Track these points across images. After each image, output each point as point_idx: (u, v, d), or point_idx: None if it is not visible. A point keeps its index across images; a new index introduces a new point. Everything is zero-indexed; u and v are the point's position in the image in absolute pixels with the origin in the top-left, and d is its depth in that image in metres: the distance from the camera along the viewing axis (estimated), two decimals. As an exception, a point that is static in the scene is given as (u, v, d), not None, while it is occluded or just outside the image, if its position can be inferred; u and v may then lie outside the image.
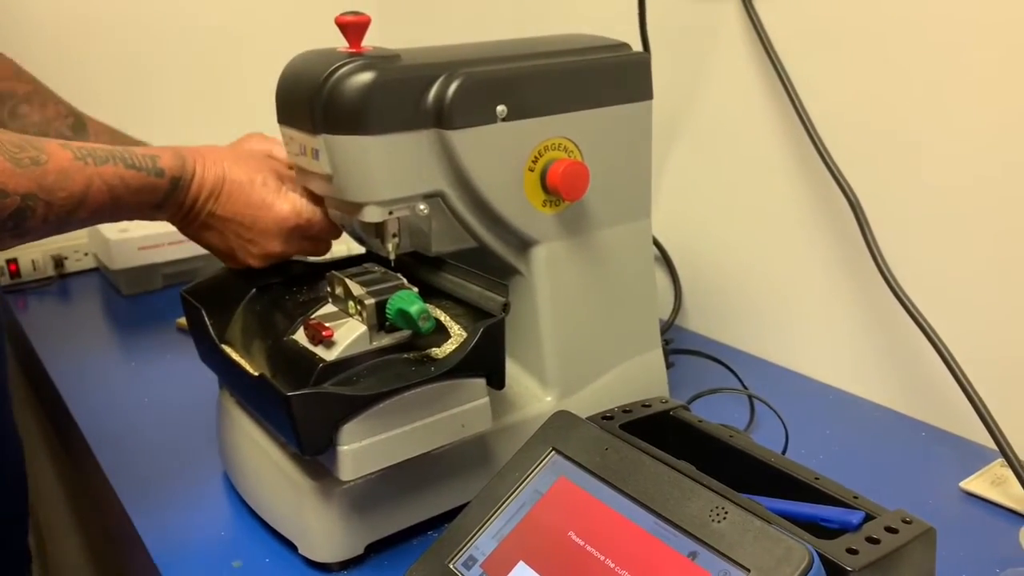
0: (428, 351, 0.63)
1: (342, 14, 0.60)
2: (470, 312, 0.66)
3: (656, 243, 1.01)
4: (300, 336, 0.62)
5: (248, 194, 0.66)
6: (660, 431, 0.60)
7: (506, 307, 0.62)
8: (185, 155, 0.65)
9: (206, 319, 0.64)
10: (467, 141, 0.61)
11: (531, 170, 0.65)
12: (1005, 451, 0.66)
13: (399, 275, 0.64)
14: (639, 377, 0.75)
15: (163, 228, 1.15)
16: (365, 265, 0.67)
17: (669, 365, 0.79)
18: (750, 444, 0.58)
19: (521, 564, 0.49)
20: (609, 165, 0.69)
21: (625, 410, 0.60)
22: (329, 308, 0.64)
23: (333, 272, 0.64)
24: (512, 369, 0.70)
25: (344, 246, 1.16)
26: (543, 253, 0.68)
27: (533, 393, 0.70)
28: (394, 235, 0.65)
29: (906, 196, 0.77)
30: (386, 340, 0.62)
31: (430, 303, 0.62)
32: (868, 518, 0.48)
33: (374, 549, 0.62)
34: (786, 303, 0.91)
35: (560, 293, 0.69)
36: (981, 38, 0.70)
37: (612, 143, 0.69)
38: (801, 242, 0.87)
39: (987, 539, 0.64)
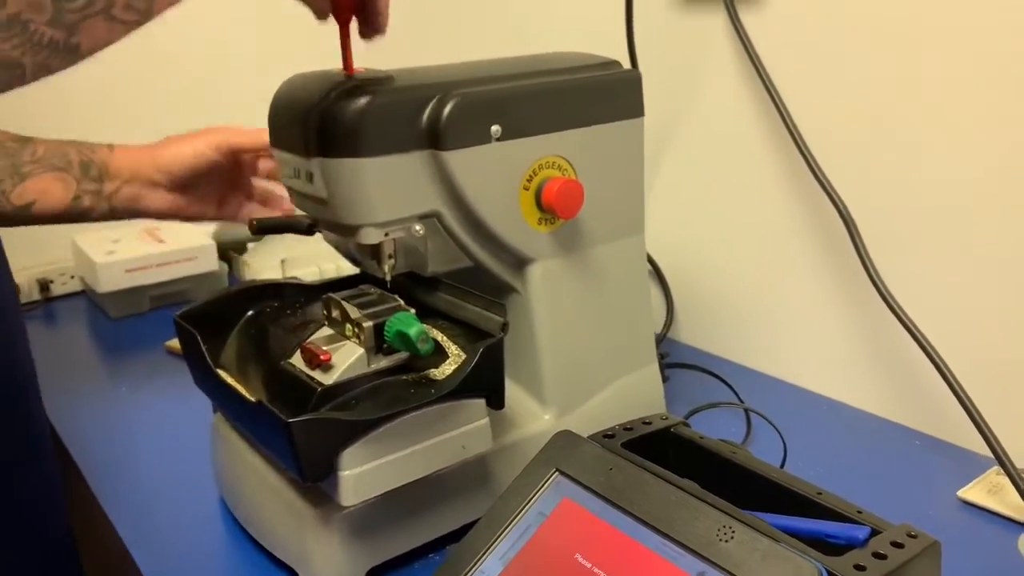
0: (426, 372, 0.63)
1: None
2: (467, 332, 0.66)
3: (647, 257, 1.01)
4: (297, 360, 0.62)
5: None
6: (661, 448, 0.60)
7: (505, 327, 0.62)
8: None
9: (201, 344, 0.63)
10: (462, 161, 0.61)
11: (526, 189, 0.65)
12: (1001, 459, 0.66)
13: (395, 296, 0.64)
14: (636, 392, 0.75)
15: (151, 250, 1.15)
16: (361, 287, 0.66)
17: (664, 379, 0.79)
18: (752, 460, 0.58)
19: (528, 587, 0.49)
20: (602, 182, 0.69)
21: (626, 428, 0.60)
22: (326, 331, 0.64)
23: (329, 295, 0.64)
24: (510, 388, 0.69)
25: (333, 264, 1.16)
26: (539, 271, 0.68)
27: (531, 411, 0.70)
28: (390, 256, 0.64)
29: (897, 207, 0.78)
30: (384, 362, 0.61)
31: (427, 323, 0.62)
32: (874, 533, 0.48)
33: (375, 573, 0.62)
34: (778, 315, 0.91)
35: (557, 310, 0.69)
36: (973, 51, 0.71)
37: (605, 160, 0.69)
38: (792, 254, 0.88)
39: (986, 548, 0.64)
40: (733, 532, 0.45)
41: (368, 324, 0.60)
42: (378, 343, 0.61)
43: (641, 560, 0.47)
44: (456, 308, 0.67)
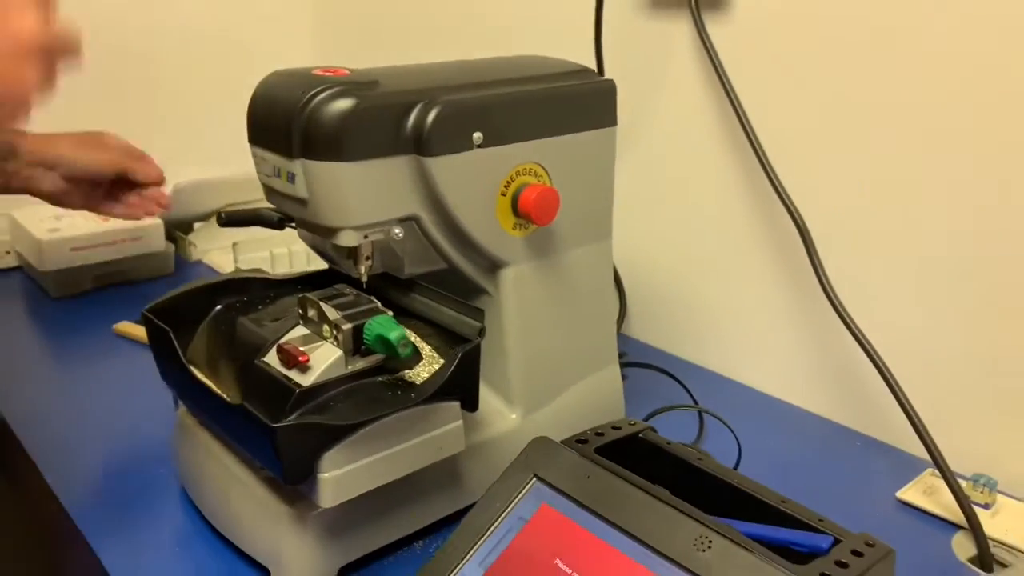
0: (401, 374, 0.63)
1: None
2: (440, 333, 0.67)
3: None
4: (272, 359, 0.62)
5: None
6: (629, 451, 0.62)
7: (482, 332, 0.63)
8: None
9: (174, 340, 0.63)
10: (444, 167, 0.62)
11: (503, 194, 0.66)
12: (937, 461, 0.71)
13: (372, 298, 0.65)
14: (599, 392, 0.77)
15: (97, 228, 1.12)
16: (337, 287, 0.66)
17: (623, 378, 0.82)
18: (716, 466, 0.60)
19: (510, 592, 0.51)
20: (576, 189, 0.71)
21: (598, 432, 0.62)
22: (300, 331, 0.64)
23: (306, 295, 0.64)
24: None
25: (285, 248, 1.14)
26: (511, 274, 0.69)
27: (498, 411, 0.72)
28: (367, 258, 0.65)
29: (848, 214, 0.82)
30: (360, 364, 0.62)
31: (402, 324, 0.62)
32: (836, 542, 0.51)
33: (348, 569, 0.63)
34: (729, 315, 0.95)
35: (526, 312, 0.71)
36: (934, 62, 0.74)
37: (579, 168, 0.71)
38: (746, 256, 0.91)
39: (922, 548, 0.68)
40: (710, 542, 0.48)
41: (347, 326, 0.60)
42: (356, 345, 0.61)
43: (621, 567, 0.49)
44: (431, 310, 0.68)
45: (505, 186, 0.66)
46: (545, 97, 0.67)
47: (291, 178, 0.61)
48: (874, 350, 0.76)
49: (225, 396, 0.60)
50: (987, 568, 0.66)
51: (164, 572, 0.63)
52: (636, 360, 0.95)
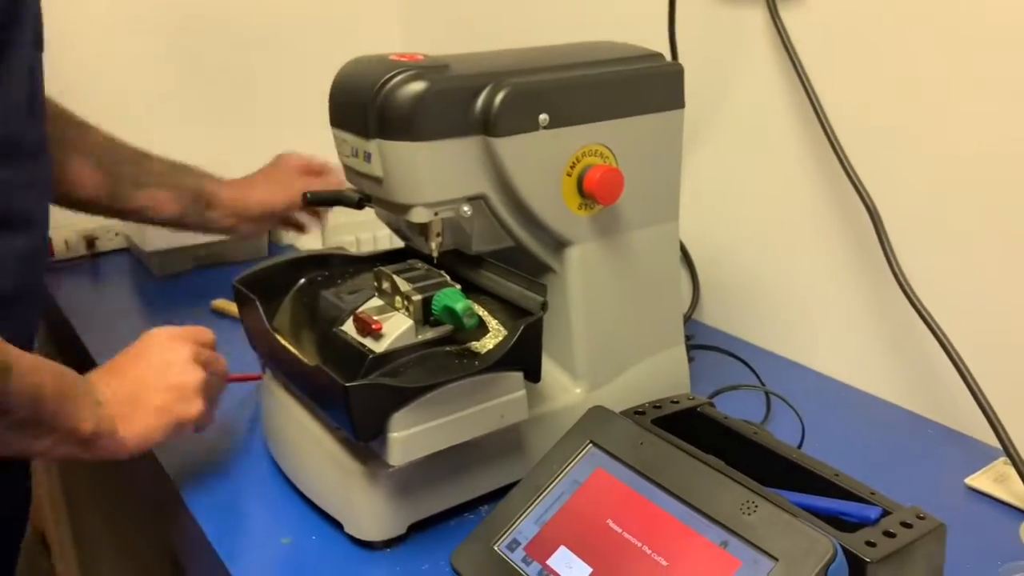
0: (468, 345, 0.67)
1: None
2: (507, 308, 0.70)
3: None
4: (349, 327, 0.66)
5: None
6: (688, 426, 0.64)
7: (544, 306, 0.66)
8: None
9: (260, 308, 0.68)
10: (511, 148, 0.65)
11: (569, 175, 0.69)
12: (1008, 449, 0.70)
13: (442, 272, 0.68)
14: (663, 371, 0.79)
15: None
16: (410, 261, 0.70)
17: (690, 360, 0.83)
18: (772, 440, 0.62)
19: (563, 548, 0.53)
20: (641, 170, 0.72)
21: (655, 405, 0.64)
22: (376, 302, 0.68)
23: (381, 268, 0.68)
24: (544, 362, 0.73)
25: (371, 234, 1.19)
26: (577, 253, 0.72)
27: (563, 385, 0.74)
28: (438, 234, 0.68)
29: (922, 203, 0.81)
30: (430, 334, 0.65)
31: (470, 298, 0.66)
32: (885, 513, 0.52)
33: (415, 528, 0.66)
34: (801, 302, 0.95)
35: (591, 291, 0.73)
36: (1010, 46, 0.73)
37: (645, 150, 0.73)
38: (818, 243, 0.91)
39: (990, 534, 0.68)
40: (756, 506, 0.49)
41: (417, 298, 0.64)
42: (425, 315, 0.65)
43: (669, 528, 0.51)
44: (497, 285, 0.71)
45: (571, 167, 0.69)
46: (610, 80, 0.69)
47: (368, 157, 0.65)
48: (946, 337, 0.75)
49: (305, 360, 0.65)
50: (1056, 555, 0.65)
51: (249, 526, 0.68)
52: (704, 343, 0.96)
